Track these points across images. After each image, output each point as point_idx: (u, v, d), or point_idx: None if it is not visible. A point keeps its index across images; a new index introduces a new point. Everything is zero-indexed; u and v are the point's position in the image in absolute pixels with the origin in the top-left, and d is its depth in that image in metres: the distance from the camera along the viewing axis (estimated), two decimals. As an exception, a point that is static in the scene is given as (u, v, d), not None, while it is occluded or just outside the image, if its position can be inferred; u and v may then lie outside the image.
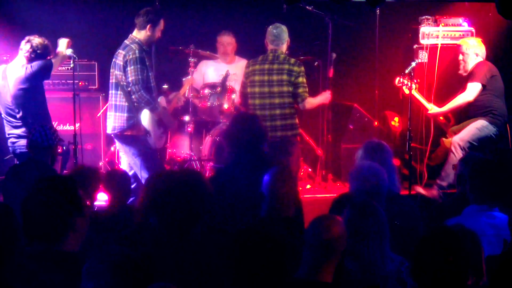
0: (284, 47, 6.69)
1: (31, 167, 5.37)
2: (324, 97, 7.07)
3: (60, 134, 5.86)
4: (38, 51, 6.56)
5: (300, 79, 6.56)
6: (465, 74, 7.13)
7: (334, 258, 3.30)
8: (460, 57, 7.15)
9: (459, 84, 7.30)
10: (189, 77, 7.64)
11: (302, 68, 6.60)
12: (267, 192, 4.29)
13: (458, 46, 7.25)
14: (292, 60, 6.63)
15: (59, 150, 5.77)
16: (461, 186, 4.80)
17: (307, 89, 6.66)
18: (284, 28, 6.67)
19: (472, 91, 6.96)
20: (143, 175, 6.34)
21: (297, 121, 6.68)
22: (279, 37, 6.63)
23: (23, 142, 6.50)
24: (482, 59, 7.10)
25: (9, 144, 6.70)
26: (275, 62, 6.59)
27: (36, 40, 6.57)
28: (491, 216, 4.07)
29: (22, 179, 5.20)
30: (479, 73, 6.96)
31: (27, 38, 6.61)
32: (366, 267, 3.54)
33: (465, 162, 4.84)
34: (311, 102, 6.75)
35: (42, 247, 2.98)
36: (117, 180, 5.02)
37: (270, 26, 6.70)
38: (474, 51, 7.08)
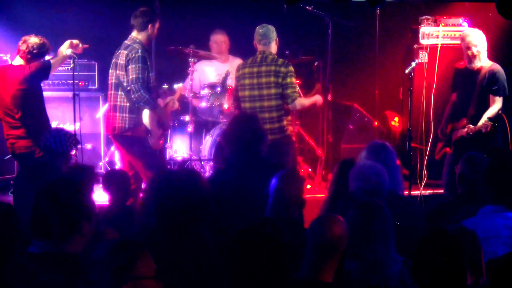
0: (272, 47, 6.64)
1: (44, 171, 5.35)
2: (317, 99, 7.04)
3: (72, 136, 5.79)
4: (34, 51, 6.52)
5: (289, 80, 6.51)
6: (475, 68, 6.90)
7: (335, 258, 3.30)
8: (474, 49, 6.83)
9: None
10: (180, 84, 7.63)
11: (290, 68, 6.54)
12: (273, 194, 4.28)
13: (464, 36, 6.94)
14: (280, 61, 6.58)
15: (72, 152, 5.72)
16: (462, 185, 4.80)
17: (296, 89, 6.63)
18: (270, 27, 6.64)
19: (501, 104, 6.82)
20: (148, 175, 6.33)
21: (285, 122, 6.62)
22: (266, 36, 6.59)
23: (22, 143, 6.49)
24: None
25: (8, 145, 6.69)
26: (263, 64, 6.56)
27: (32, 39, 6.54)
28: (506, 217, 4.03)
29: (33, 183, 5.18)
30: (503, 84, 6.80)
31: (23, 38, 6.58)
32: (369, 268, 3.53)
33: (466, 161, 4.83)
34: (302, 102, 6.73)
35: (45, 247, 2.98)
36: (117, 180, 5.01)
37: (257, 27, 6.68)
38: (484, 46, 6.91)
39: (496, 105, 6.82)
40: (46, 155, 5.45)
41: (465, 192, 4.74)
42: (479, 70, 6.91)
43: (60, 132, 5.55)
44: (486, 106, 6.85)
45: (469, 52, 6.88)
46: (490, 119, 6.64)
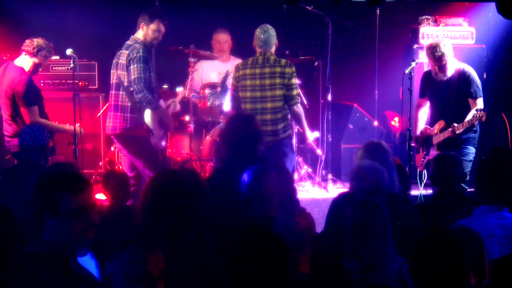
0: (273, 50, 6.60)
1: (24, 169, 5.35)
2: (311, 135, 6.92)
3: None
4: (37, 50, 6.54)
5: (293, 80, 6.45)
6: (445, 78, 6.77)
7: (307, 249, 3.47)
8: (443, 61, 6.63)
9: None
10: (181, 88, 7.63)
11: (294, 69, 6.50)
12: (247, 192, 4.27)
13: (433, 49, 6.68)
14: (283, 62, 6.51)
15: (50, 144, 5.72)
16: (435, 186, 4.86)
17: (298, 91, 6.60)
18: (272, 32, 6.54)
19: (481, 103, 6.66)
20: (149, 175, 6.32)
21: (289, 122, 6.58)
22: (267, 43, 6.50)
23: (15, 141, 6.50)
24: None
25: (5, 143, 6.73)
26: (266, 66, 6.47)
27: (39, 39, 6.56)
28: (501, 216, 4.04)
29: (15, 182, 5.17)
30: (477, 85, 6.68)
31: (31, 38, 6.61)
32: (369, 267, 3.53)
33: (438, 161, 4.89)
34: (301, 112, 6.58)
35: (44, 247, 2.98)
36: (116, 181, 5.00)
37: (258, 30, 6.55)
38: (452, 53, 6.72)
39: (478, 107, 6.61)
40: (26, 154, 5.47)
41: (441, 191, 4.81)
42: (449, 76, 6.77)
43: (33, 127, 5.57)
44: (464, 108, 6.68)
45: (441, 63, 6.66)
46: (478, 110, 6.47)
